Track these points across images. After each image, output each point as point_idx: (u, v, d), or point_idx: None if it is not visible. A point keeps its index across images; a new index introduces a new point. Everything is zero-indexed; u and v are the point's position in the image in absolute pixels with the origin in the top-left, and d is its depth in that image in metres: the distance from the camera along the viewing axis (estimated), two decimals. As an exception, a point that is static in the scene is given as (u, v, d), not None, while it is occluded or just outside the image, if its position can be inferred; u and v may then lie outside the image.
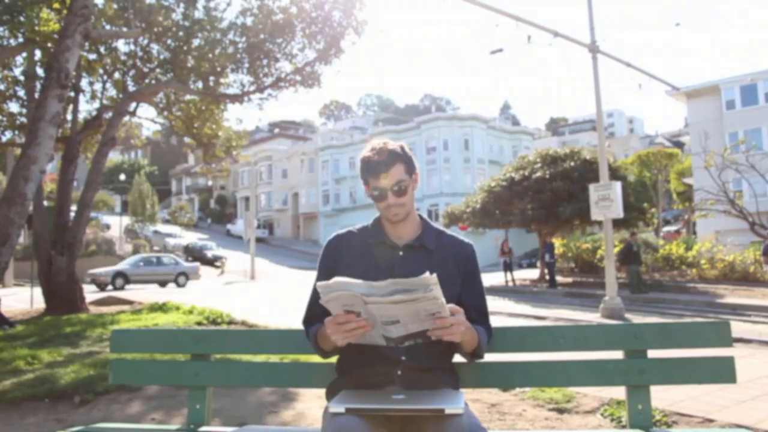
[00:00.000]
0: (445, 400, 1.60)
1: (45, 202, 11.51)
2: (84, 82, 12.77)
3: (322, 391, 2.01)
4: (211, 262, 36.60)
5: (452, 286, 1.92)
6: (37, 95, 9.33)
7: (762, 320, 11.26)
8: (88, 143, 13.31)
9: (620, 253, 16.87)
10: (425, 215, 2.05)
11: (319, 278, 1.99)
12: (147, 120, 18.31)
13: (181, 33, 12.45)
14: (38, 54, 10.88)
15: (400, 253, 1.92)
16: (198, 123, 13.79)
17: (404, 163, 1.87)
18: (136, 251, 32.56)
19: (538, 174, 20.13)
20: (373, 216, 2.04)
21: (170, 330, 2.37)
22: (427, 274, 1.52)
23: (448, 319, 1.60)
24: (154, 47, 12.87)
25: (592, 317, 11.78)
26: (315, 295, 2.00)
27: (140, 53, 12.84)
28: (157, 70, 12.97)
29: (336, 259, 1.95)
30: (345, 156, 53.42)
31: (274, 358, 4.54)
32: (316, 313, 1.97)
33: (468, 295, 1.96)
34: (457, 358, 1.94)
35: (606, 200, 11.86)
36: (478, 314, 1.96)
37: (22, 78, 11.89)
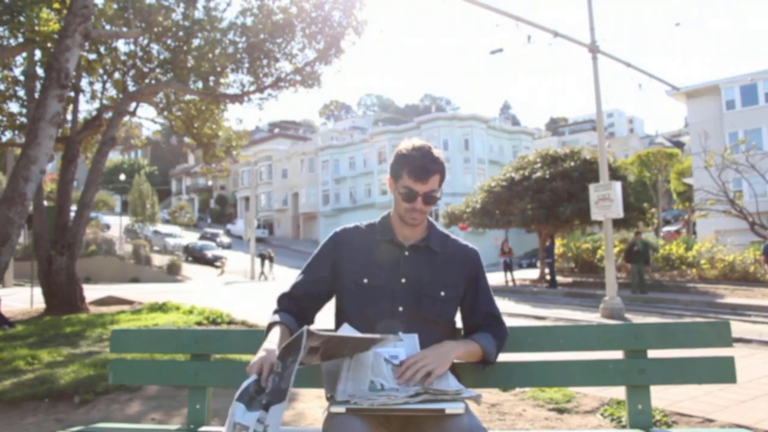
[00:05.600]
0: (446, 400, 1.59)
1: (45, 202, 11.50)
2: (84, 82, 12.77)
3: (322, 391, 2.01)
4: (211, 262, 36.61)
5: (455, 288, 1.92)
6: (37, 95, 9.32)
7: (762, 320, 11.26)
8: (88, 143, 13.30)
9: (623, 252, 17.07)
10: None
11: (314, 262, 1.96)
12: (147, 120, 18.33)
13: (181, 33, 12.45)
14: (38, 54, 10.87)
15: (406, 252, 1.92)
16: (198, 123, 13.79)
17: (441, 174, 1.86)
18: (136, 251, 32.55)
19: (538, 174, 20.13)
20: (372, 216, 2.05)
21: (170, 330, 2.37)
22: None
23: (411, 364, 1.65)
24: (154, 47, 12.86)
25: (592, 317, 11.78)
26: (302, 278, 1.96)
27: (140, 53, 12.83)
28: (157, 70, 12.96)
29: (342, 251, 1.94)
30: (345, 156, 53.40)
31: (274, 358, 4.53)
32: (295, 295, 1.94)
33: (478, 301, 1.96)
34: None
35: (606, 200, 11.86)
36: (491, 318, 1.97)
37: (22, 78, 11.88)
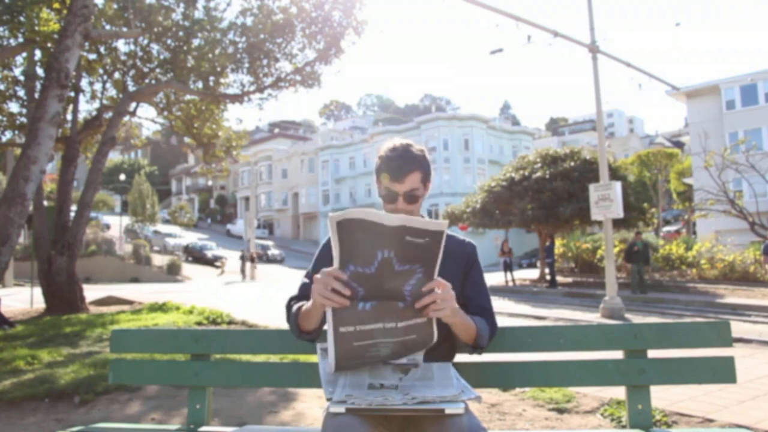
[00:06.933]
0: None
1: (45, 202, 11.50)
2: (84, 82, 12.78)
3: (321, 391, 2.00)
4: (211, 262, 36.62)
5: (453, 287, 1.91)
6: (37, 95, 9.33)
7: (762, 320, 11.26)
8: (88, 143, 13.31)
9: (623, 252, 17.14)
10: (425, 215, 2.05)
11: (316, 266, 1.97)
12: (147, 120, 18.31)
13: (181, 33, 12.45)
14: (38, 54, 10.87)
15: None
16: (198, 123, 13.79)
17: (422, 171, 1.86)
18: (136, 251, 32.56)
19: (538, 174, 20.13)
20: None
21: (170, 330, 2.37)
22: (441, 219, 1.54)
23: (436, 283, 1.61)
24: (154, 47, 12.86)
25: (592, 317, 11.78)
26: (307, 282, 1.98)
27: (140, 53, 12.84)
28: (157, 70, 12.96)
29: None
30: (345, 156, 53.41)
31: (274, 358, 4.54)
32: (304, 296, 1.95)
33: (470, 291, 1.95)
34: (458, 359, 1.94)
35: (606, 200, 11.86)
36: (482, 311, 1.95)
37: (22, 78, 11.89)
